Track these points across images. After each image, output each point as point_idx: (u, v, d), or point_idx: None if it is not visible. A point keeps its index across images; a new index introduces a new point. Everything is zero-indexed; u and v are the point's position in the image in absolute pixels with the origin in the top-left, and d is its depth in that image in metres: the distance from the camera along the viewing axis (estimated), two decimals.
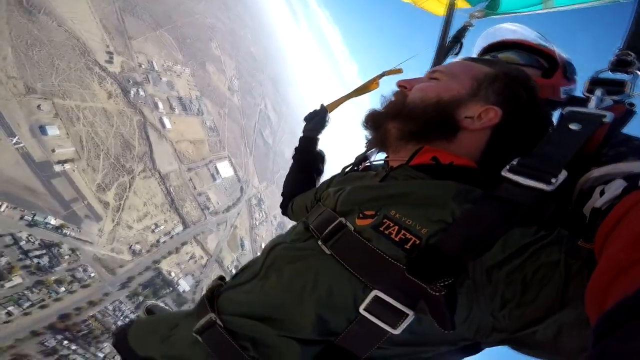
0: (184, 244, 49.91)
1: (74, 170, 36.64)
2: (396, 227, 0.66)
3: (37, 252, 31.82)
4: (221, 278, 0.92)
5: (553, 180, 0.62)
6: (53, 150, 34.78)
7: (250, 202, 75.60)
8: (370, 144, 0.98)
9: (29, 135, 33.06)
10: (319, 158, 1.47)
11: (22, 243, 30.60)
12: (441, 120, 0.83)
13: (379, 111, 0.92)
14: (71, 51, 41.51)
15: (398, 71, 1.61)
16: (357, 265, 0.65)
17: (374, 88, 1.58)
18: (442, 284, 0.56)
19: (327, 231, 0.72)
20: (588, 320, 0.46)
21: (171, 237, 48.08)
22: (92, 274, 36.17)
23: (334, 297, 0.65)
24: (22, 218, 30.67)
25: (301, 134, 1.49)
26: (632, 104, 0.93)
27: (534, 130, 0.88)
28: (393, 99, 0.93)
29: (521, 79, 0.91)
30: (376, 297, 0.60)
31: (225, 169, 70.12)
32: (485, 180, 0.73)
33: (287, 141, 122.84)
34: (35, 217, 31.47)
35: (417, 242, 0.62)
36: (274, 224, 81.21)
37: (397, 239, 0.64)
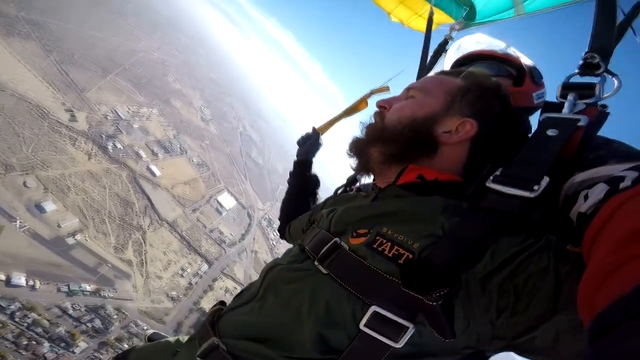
0: (214, 280, 49.16)
1: (86, 239, 36.24)
2: (389, 244, 0.69)
3: (87, 317, 33.91)
4: (222, 302, 0.95)
5: (535, 187, 0.67)
6: (59, 226, 34.46)
7: (261, 224, 74.34)
8: (356, 171, 1.00)
9: (29, 215, 32.62)
10: (313, 182, 1.49)
11: (70, 312, 32.68)
12: (419, 139, 0.86)
13: (360, 138, 0.95)
14: (29, 116, 40.17)
15: (385, 89, 1.59)
16: (354, 283, 0.68)
17: (364, 107, 1.61)
18: (437, 294, 0.59)
19: (322, 251, 0.75)
20: (582, 325, 0.48)
21: (200, 277, 47.56)
22: (145, 327, 36.73)
23: (332, 315, 0.67)
24: (59, 290, 32.53)
25: (295, 159, 1.51)
26: (604, 106, 0.97)
27: (513, 138, 0.94)
28: (372, 121, 0.97)
29: (493, 88, 0.95)
30: (375, 313, 0.63)
31: (227, 201, 69.13)
32: (471, 192, 0.80)
33: (276, 156, 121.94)
34: (71, 288, 33.33)
35: (410, 256, 0.65)
36: None
37: (390, 254, 0.67)
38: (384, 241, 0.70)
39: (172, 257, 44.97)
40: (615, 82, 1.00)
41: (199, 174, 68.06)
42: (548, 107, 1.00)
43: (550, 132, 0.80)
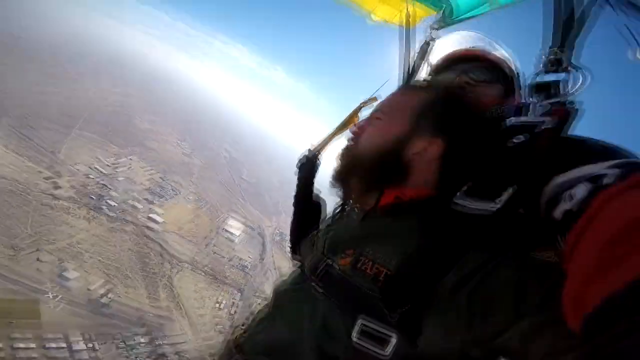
0: (251, 304, 48.95)
1: (119, 296, 36.52)
2: (370, 263, 0.77)
3: None
4: (243, 324, 1.08)
5: (497, 200, 0.73)
6: (88, 289, 34.92)
7: (274, 240, 73.98)
8: (342, 199, 1.11)
9: (57, 286, 32.87)
10: (316, 203, 1.52)
11: None
12: (391, 165, 0.92)
13: (340, 170, 1.02)
14: (11, 194, 39.51)
15: (373, 100, 1.57)
16: (344, 299, 0.76)
17: (356, 121, 1.64)
18: (400, 309, 0.66)
19: (317, 272, 0.85)
20: (545, 327, 0.53)
21: (237, 306, 47.85)
22: None
23: (328, 328, 0.75)
24: (117, 347, 33.22)
25: (296, 182, 1.55)
26: (572, 103, 0.95)
27: (483, 147, 0.94)
28: (347, 148, 1.04)
29: (458, 101, 0.98)
30: (363, 325, 0.70)
31: (234, 227, 68.87)
32: (443, 205, 0.84)
33: (268, 171, 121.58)
34: (127, 343, 34.14)
35: (388, 272, 0.73)
36: None
37: (371, 272, 0.75)
38: (366, 260, 0.78)
39: (205, 294, 45.03)
40: (582, 76, 0.98)
41: (199, 209, 67.57)
42: (519, 109, 1.01)
43: (516, 139, 0.84)
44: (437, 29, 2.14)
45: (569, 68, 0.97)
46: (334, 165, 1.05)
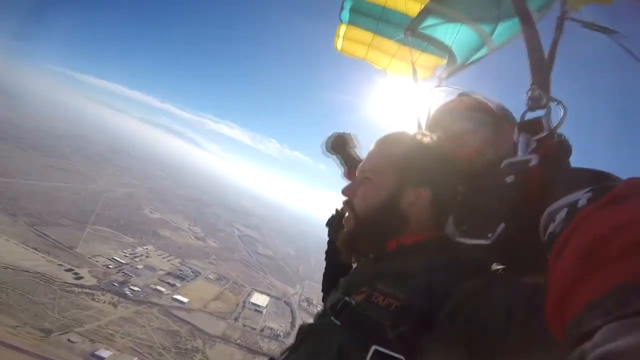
0: None
1: None
2: (382, 297, 0.89)
3: None
4: (271, 358, 1.23)
5: (490, 235, 0.87)
6: None
7: (302, 306, 71.26)
8: (354, 261, 1.26)
9: None
10: (344, 263, 1.61)
11: None
12: (391, 220, 1.06)
13: (346, 239, 1.14)
14: (35, 284, 40.59)
15: None
16: (358, 329, 0.88)
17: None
18: (394, 333, 0.79)
19: (337, 308, 0.98)
20: (533, 341, 0.62)
21: None
22: None
23: (344, 355, 0.87)
24: None
25: (327, 239, 1.74)
26: (560, 135, 1.05)
27: (472, 189, 1.09)
28: (346, 214, 1.16)
29: (433, 151, 1.12)
30: (375, 351, 0.80)
31: (260, 299, 67.29)
32: (442, 244, 1.02)
33: (282, 242, 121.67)
34: None
35: (397, 304, 0.85)
36: None
37: (383, 305, 0.87)
38: (378, 295, 0.90)
39: None
40: (562, 109, 1.07)
41: (223, 287, 66.81)
42: (515, 150, 1.11)
43: (509, 179, 0.94)
44: (445, 78, 2.30)
45: (548, 103, 1.07)
46: (340, 236, 1.15)
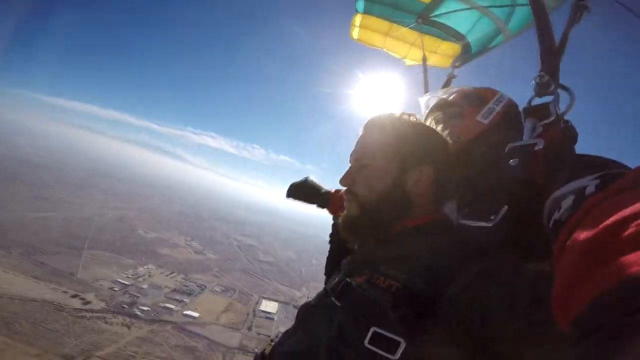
0: None
1: None
2: (383, 278, 0.89)
3: None
4: (272, 340, 1.25)
5: (492, 217, 0.86)
6: None
7: None
8: (359, 245, 1.21)
9: None
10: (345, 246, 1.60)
11: None
12: (397, 203, 1.06)
13: (346, 224, 1.13)
14: (45, 313, 40.42)
15: None
16: (358, 310, 0.88)
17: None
18: (394, 315, 0.79)
19: (338, 289, 0.99)
20: (535, 329, 0.61)
21: None
22: None
23: (344, 335, 0.87)
24: None
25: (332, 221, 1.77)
26: (566, 121, 1.06)
27: (475, 168, 1.10)
28: (347, 203, 1.14)
29: (426, 127, 1.15)
30: (375, 332, 0.80)
31: (269, 306, 67.78)
32: (445, 225, 1.03)
33: (282, 247, 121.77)
34: None
35: (398, 285, 0.85)
36: None
37: (384, 286, 0.87)
38: (380, 276, 0.90)
39: None
40: (570, 96, 1.08)
41: (230, 298, 66.96)
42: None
43: (512, 162, 0.94)
44: (459, 66, 2.29)
45: (556, 90, 1.07)
46: (341, 221, 1.15)
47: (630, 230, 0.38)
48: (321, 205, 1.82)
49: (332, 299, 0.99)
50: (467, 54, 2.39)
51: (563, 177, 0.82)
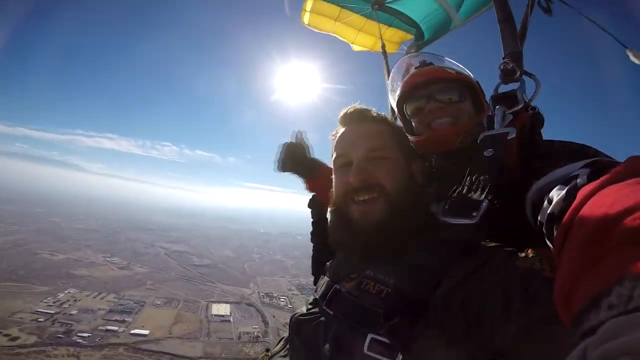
0: None
1: None
2: (372, 283, 0.87)
3: None
4: (267, 350, 1.22)
5: (474, 214, 0.85)
6: None
7: (265, 302, 72.70)
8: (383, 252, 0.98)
9: None
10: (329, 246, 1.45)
11: None
12: (416, 201, 1.01)
13: (376, 229, 0.95)
14: None
15: None
16: (353, 317, 0.86)
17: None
18: (388, 324, 0.76)
19: (327, 297, 0.96)
20: (531, 330, 0.61)
21: None
22: None
23: (342, 344, 0.85)
24: None
25: (312, 220, 1.62)
26: (534, 108, 1.05)
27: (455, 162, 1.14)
28: (368, 205, 0.99)
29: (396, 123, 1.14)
30: (372, 339, 0.78)
31: (222, 310, 66.50)
32: (427, 223, 0.99)
33: (215, 248, 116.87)
34: None
35: (389, 290, 0.83)
36: (295, 292, 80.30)
37: (374, 291, 0.85)
38: (369, 281, 0.88)
39: None
40: (535, 82, 1.08)
41: (176, 309, 63.47)
42: (489, 122, 1.11)
43: (487, 153, 0.93)
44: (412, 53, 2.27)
45: (522, 76, 1.08)
46: (365, 228, 0.98)
47: (630, 224, 0.38)
48: (307, 172, 1.63)
49: (324, 307, 0.97)
50: (419, 41, 2.51)
51: (539, 165, 0.84)
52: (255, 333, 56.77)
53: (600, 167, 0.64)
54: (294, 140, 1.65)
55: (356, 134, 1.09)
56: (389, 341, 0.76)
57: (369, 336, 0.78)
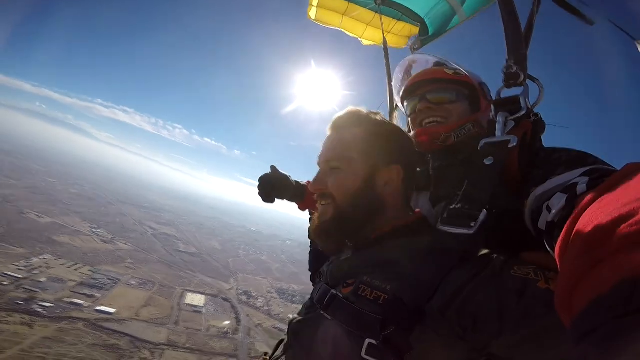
0: None
1: None
2: (369, 289, 0.89)
3: None
4: (266, 354, 1.24)
5: (472, 224, 0.87)
6: None
7: (242, 300, 70.96)
8: (329, 253, 1.18)
9: None
10: None
11: None
12: (370, 206, 1.04)
13: (321, 228, 1.09)
14: None
15: None
16: (351, 323, 0.88)
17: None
18: (384, 333, 0.78)
19: (324, 302, 0.98)
20: (526, 341, 0.65)
21: None
22: None
23: (340, 349, 0.87)
24: None
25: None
26: (536, 115, 1.06)
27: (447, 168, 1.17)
28: (323, 208, 1.10)
29: (392, 126, 1.13)
30: (370, 344, 0.80)
31: (196, 299, 65.03)
32: (423, 229, 1.00)
33: (204, 237, 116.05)
34: None
35: (386, 297, 0.85)
36: (274, 295, 78.75)
37: (371, 298, 0.87)
38: (366, 288, 0.90)
39: None
40: (539, 87, 1.08)
41: (150, 292, 62.02)
42: (490, 127, 1.11)
43: (487, 161, 0.95)
44: (417, 49, 2.37)
45: (525, 81, 1.08)
46: (316, 226, 1.11)
47: (628, 229, 0.39)
48: (292, 198, 1.76)
49: (322, 312, 0.99)
50: (424, 36, 2.48)
51: (539, 173, 0.83)
52: (226, 329, 55.44)
53: (599, 175, 0.65)
54: (271, 172, 1.77)
55: (325, 143, 1.16)
56: (385, 347, 0.78)
57: (367, 341, 0.81)
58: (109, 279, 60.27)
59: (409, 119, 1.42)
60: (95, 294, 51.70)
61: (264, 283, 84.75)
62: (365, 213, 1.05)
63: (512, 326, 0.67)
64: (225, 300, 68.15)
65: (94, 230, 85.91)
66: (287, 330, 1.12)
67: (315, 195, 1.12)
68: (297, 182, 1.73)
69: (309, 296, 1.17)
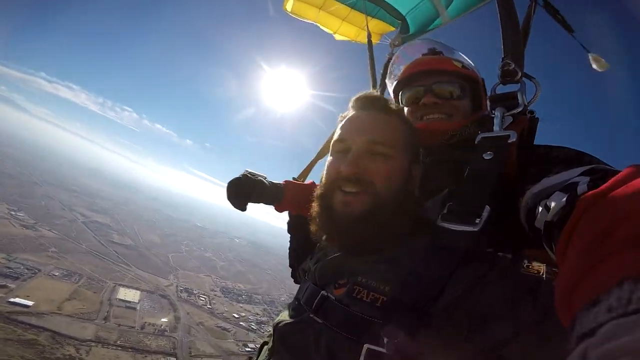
0: None
1: None
2: (365, 291, 0.83)
3: None
4: (250, 358, 1.18)
5: (477, 220, 0.81)
6: None
7: (182, 297, 67.58)
8: (345, 246, 1.00)
9: None
10: (308, 228, 1.32)
11: None
12: (406, 207, 0.96)
13: (349, 222, 0.92)
14: None
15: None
16: (345, 327, 0.81)
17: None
18: (387, 335, 0.73)
19: (314, 304, 0.91)
20: (543, 343, 0.62)
21: None
22: None
23: (335, 355, 0.81)
24: None
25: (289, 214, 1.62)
26: (532, 112, 1.08)
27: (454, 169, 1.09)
28: (352, 197, 0.94)
29: (411, 126, 1.08)
30: (369, 350, 0.74)
31: (129, 295, 60.48)
32: (426, 229, 0.91)
33: (143, 229, 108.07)
34: None
35: (385, 298, 0.80)
36: (218, 294, 76.14)
37: (368, 300, 0.82)
38: (361, 289, 0.84)
39: None
40: (535, 85, 1.09)
41: (76, 285, 56.50)
42: (486, 121, 1.12)
43: (487, 156, 0.92)
44: (398, 45, 2.37)
45: (522, 78, 1.07)
46: (342, 216, 0.94)
47: (629, 230, 0.39)
48: (270, 201, 1.50)
49: (312, 315, 0.92)
50: (405, 34, 2.48)
51: (535, 171, 0.84)
52: (163, 326, 52.24)
53: (600, 175, 0.65)
54: (246, 175, 1.49)
55: (363, 121, 1.03)
56: (386, 350, 0.73)
57: (365, 347, 0.75)
58: (27, 269, 53.81)
59: (406, 109, 1.35)
60: (9, 285, 45.73)
61: (207, 281, 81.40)
62: (401, 211, 0.94)
63: (528, 326, 0.65)
64: (163, 297, 64.36)
65: (12, 212, 76.46)
66: (272, 333, 1.03)
67: (344, 177, 0.95)
68: (272, 184, 1.53)
69: (294, 295, 1.09)
